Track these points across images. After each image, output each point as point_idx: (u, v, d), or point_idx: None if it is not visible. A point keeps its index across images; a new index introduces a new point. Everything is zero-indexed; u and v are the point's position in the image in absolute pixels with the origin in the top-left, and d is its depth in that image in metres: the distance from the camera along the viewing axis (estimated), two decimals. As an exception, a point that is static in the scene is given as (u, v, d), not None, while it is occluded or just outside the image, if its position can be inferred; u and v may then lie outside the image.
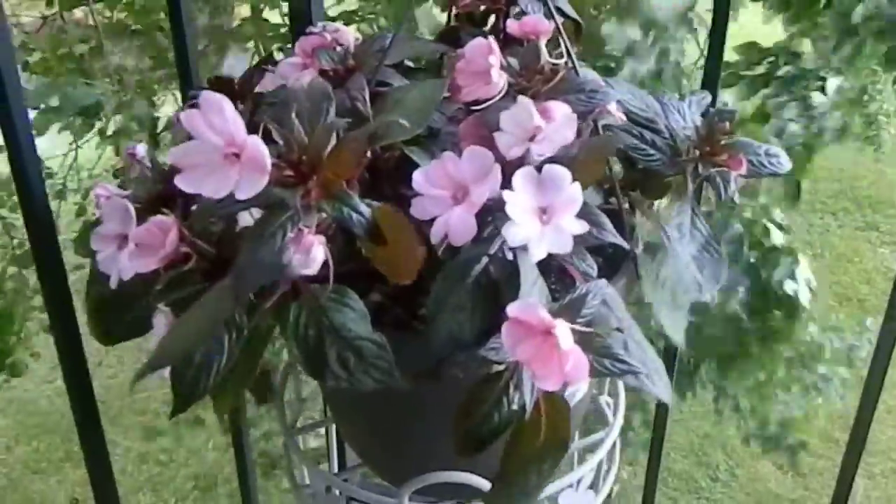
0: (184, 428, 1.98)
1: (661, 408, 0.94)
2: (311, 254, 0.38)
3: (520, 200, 0.40)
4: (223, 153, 0.36)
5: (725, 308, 1.53)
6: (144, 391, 2.51)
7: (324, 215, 0.39)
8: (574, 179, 0.40)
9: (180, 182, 0.36)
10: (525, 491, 0.44)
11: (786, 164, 0.53)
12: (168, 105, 1.77)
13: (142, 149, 0.52)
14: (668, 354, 0.82)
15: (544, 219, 0.40)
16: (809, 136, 1.60)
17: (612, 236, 0.43)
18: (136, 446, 2.22)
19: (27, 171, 0.56)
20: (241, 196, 0.35)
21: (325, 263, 0.39)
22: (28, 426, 2.44)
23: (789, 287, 1.52)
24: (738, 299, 1.52)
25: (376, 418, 0.56)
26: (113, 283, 0.44)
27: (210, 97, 0.37)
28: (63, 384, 0.67)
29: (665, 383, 0.45)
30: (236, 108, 0.55)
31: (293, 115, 0.39)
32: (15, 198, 1.39)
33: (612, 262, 0.50)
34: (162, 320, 0.41)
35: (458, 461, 0.51)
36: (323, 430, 0.76)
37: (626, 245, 0.45)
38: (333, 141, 0.38)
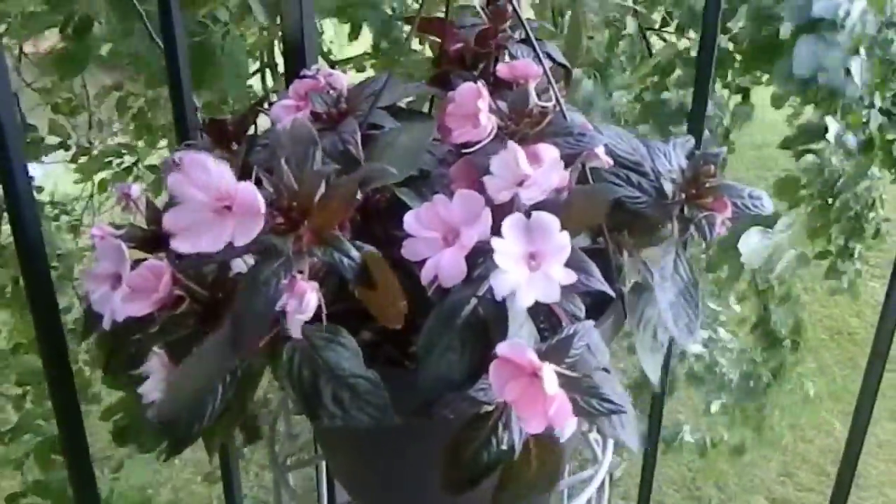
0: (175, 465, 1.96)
1: (652, 439, 0.95)
2: (304, 300, 0.38)
3: (508, 248, 0.41)
4: (213, 208, 0.37)
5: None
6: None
7: (315, 259, 0.40)
8: (565, 227, 0.41)
9: (177, 244, 0.37)
10: (515, 527, 0.45)
11: (768, 206, 0.54)
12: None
13: (136, 189, 0.53)
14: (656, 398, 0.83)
15: (532, 265, 0.41)
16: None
17: (600, 284, 0.44)
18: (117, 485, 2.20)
19: (22, 207, 0.57)
20: (238, 243, 0.36)
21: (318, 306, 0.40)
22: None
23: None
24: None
25: (367, 454, 0.56)
26: (106, 324, 0.45)
27: (192, 158, 0.38)
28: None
29: (633, 430, 0.45)
30: (231, 149, 0.56)
31: (282, 161, 0.40)
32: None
33: (600, 302, 0.51)
34: (156, 362, 0.41)
35: (448, 497, 0.52)
36: (313, 467, 0.76)
37: (612, 293, 0.45)
38: (323, 187, 0.39)
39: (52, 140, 1.65)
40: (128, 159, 1.70)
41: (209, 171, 0.37)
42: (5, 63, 0.56)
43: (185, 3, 0.98)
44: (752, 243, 1.30)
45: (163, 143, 1.63)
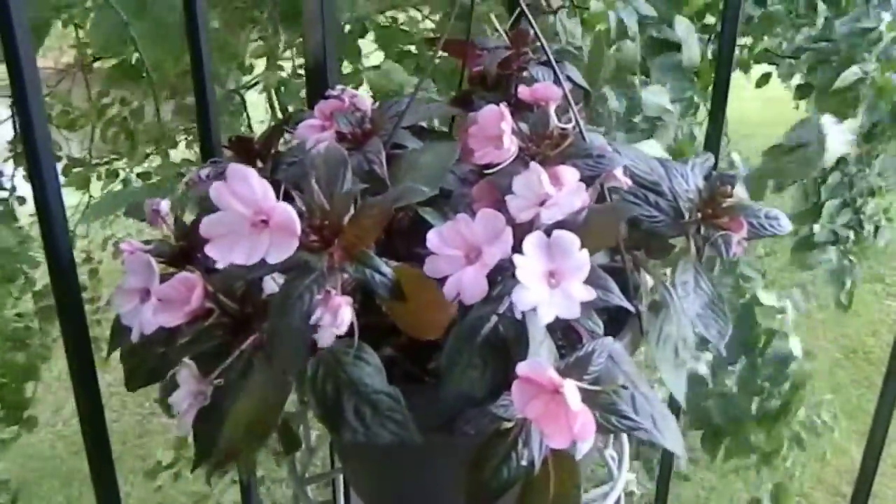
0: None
1: (665, 460, 0.95)
2: (339, 314, 0.39)
3: (530, 265, 0.41)
4: (251, 221, 0.38)
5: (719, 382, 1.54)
6: (146, 435, 2.51)
7: (345, 276, 0.41)
8: (584, 245, 0.42)
9: (211, 251, 0.38)
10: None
11: (786, 226, 0.55)
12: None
13: (165, 205, 0.55)
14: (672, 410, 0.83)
15: (552, 282, 0.42)
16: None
17: (619, 300, 0.45)
18: (135, 492, 2.21)
19: (54, 226, 0.58)
20: (272, 260, 0.37)
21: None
22: (28, 470, 2.43)
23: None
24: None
25: (386, 469, 0.57)
26: (134, 337, 0.46)
27: (236, 169, 0.39)
28: (64, 430, 0.68)
29: (675, 434, 0.46)
30: (255, 166, 0.58)
31: (313, 181, 0.41)
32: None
33: (618, 319, 0.52)
34: (186, 373, 0.43)
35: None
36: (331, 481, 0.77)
37: (631, 308, 0.46)
38: (352, 207, 0.40)
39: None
40: (117, 165, 1.70)
41: (251, 185, 0.38)
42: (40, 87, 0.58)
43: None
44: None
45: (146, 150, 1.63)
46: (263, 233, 0.37)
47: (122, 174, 1.73)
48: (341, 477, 0.78)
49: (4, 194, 1.56)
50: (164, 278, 0.45)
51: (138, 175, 1.67)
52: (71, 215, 1.92)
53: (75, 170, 1.69)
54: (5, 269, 1.37)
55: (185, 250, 0.51)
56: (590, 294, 0.41)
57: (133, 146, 1.56)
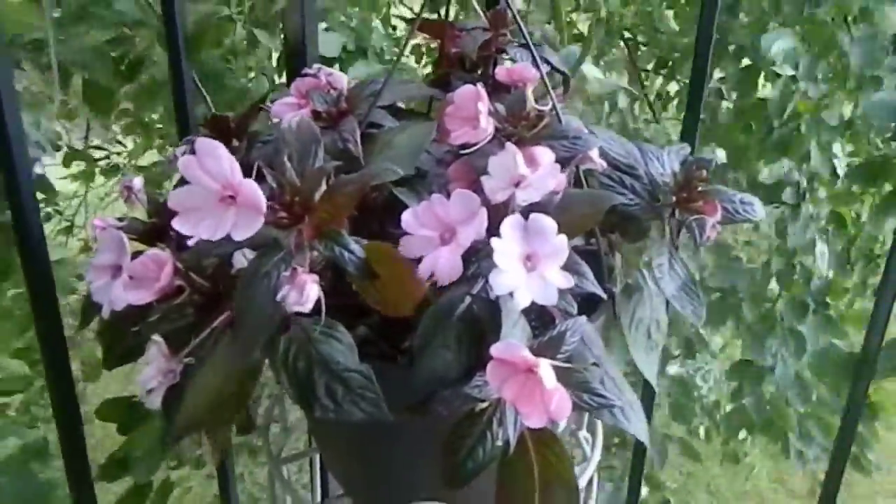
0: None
1: (640, 444, 0.96)
2: (305, 292, 0.39)
3: (507, 248, 0.41)
4: (219, 196, 0.37)
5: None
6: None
7: (315, 253, 0.41)
8: (563, 230, 0.42)
9: (178, 224, 0.38)
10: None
11: (759, 211, 0.55)
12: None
13: (138, 182, 0.54)
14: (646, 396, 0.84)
15: (529, 266, 0.41)
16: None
17: (593, 286, 0.45)
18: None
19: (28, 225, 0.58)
20: (237, 237, 0.36)
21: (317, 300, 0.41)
22: None
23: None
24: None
25: (360, 448, 0.57)
26: (105, 313, 0.45)
27: (205, 143, 0.38)
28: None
29: (641, 420, 0.46)
30: (231, 145, 0.57)
31: (284, 157, 0.40)
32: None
33: (591, 300, 0.51)
34: (155, 350, 0.42)
35: (441, 491, 0.52)
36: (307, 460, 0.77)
37: (604, 295, 0.46)
38: (323, 184, 0.40)
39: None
40: (116, 158, 1.69)
41: (219, 159, 0.38)
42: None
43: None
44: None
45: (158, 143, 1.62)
46: (230, 209, 0.37)
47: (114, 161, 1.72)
48: (318, 457, 0.78)
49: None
50: (137, 256, 0.45)
51: (138, 168, 1.66)
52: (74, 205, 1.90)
53: (75, 162, 1.67)
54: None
55: (157, 227, 0.51)
56: (567, 281, 0.41)
57: (147, 137, 1.53)
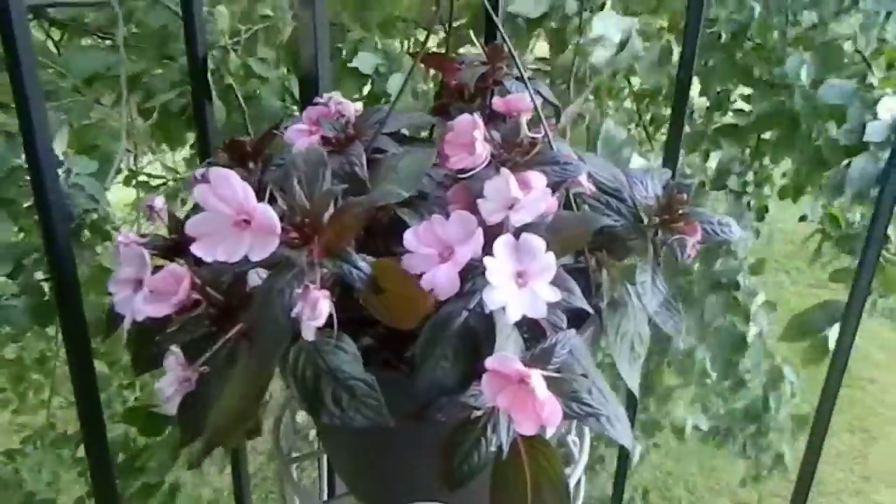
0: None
1: (624, 449, 0.95)
2: (318, 308, 0.39)
3: (499, 266, 0.41)
4: (234, 221, 0.37)
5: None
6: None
7: (325, 270, 0.40)
8: (554, 249, 0.42)
9: (197, 249, 0.37)
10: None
11: (737, 231, 0.54)
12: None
13: (160, 201, 0.54)
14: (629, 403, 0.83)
15: (520, 282, 0.42)
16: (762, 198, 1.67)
17: (580, 302, 0.45)
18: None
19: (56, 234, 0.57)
20: (254, 258, 0.36)
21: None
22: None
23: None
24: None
25: (365, 450, 0.56)
26: (126, 324, 0.45)
27: (218, 172, 0.38)
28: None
29: (625, 428, 0.45)
30: (248, 167, 0.57)
31: (294, 181, 0.40)
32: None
33: (580, 315, 0.51)
34: (173, 360, 0.42)
35: (442, 492, 0.52)
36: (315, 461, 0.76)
37: (590, 310, 0.46)
38: (331, 206, 0.40)
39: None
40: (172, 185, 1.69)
41: (233, 187, 0.37)
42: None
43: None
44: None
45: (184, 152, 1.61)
46: (245, 232, 0.37)
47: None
48: (325, 457, 0.78)
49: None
50: (158, 271, 0.44)
51: (140, 173, 1.65)
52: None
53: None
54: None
55: (177, 244, 0.50)
56: (556, 295, 0.41)
57: (171, 138, 1.53)
